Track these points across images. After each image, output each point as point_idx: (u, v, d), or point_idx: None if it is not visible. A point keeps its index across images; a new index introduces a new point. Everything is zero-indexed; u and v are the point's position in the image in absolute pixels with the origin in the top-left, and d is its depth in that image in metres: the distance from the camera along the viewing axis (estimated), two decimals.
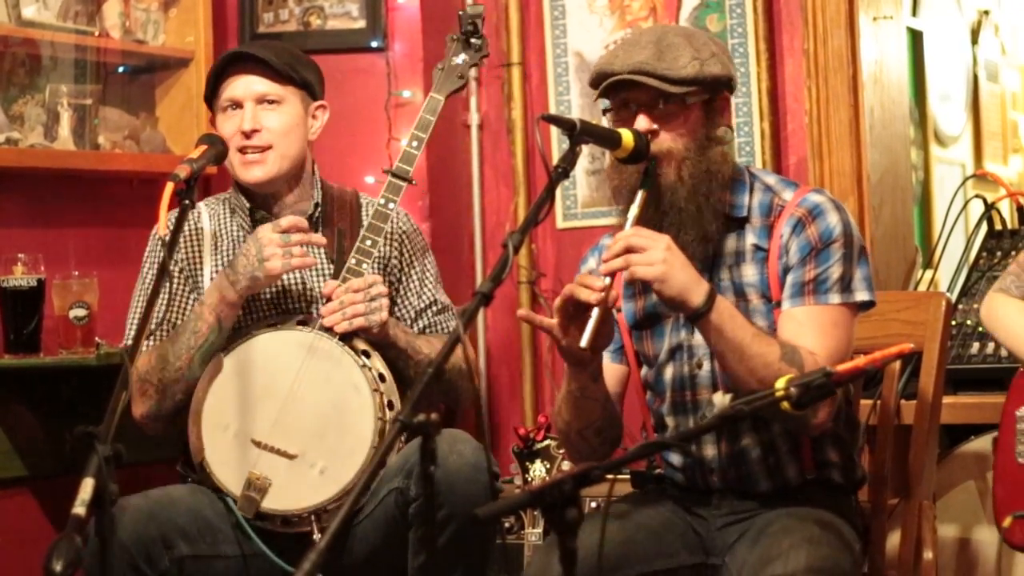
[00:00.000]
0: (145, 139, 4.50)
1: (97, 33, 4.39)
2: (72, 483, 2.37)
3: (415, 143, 3.55)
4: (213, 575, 3.37)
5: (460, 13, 3.66)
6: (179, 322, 3.55)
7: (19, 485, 4.09)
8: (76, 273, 4.09)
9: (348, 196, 3.71)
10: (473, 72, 4.82)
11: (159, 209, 3.12)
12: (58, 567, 2.22)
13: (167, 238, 3.14)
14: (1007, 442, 3.53)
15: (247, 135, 3.54)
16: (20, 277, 3.98)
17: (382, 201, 3.51)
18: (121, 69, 4.51)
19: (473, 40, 3.64)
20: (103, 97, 4.43)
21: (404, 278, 3.68)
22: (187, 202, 3.17)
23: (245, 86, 3.57)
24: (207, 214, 3.66)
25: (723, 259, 3.10)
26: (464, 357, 3.28)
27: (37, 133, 4.23)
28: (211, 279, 3.56)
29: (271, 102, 3.58)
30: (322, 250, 3.60)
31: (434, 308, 3.70)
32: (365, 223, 3.60)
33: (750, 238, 3.09)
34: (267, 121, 3.57)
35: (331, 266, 3.59)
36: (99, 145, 4.39)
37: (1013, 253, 4.24)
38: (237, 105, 3.57)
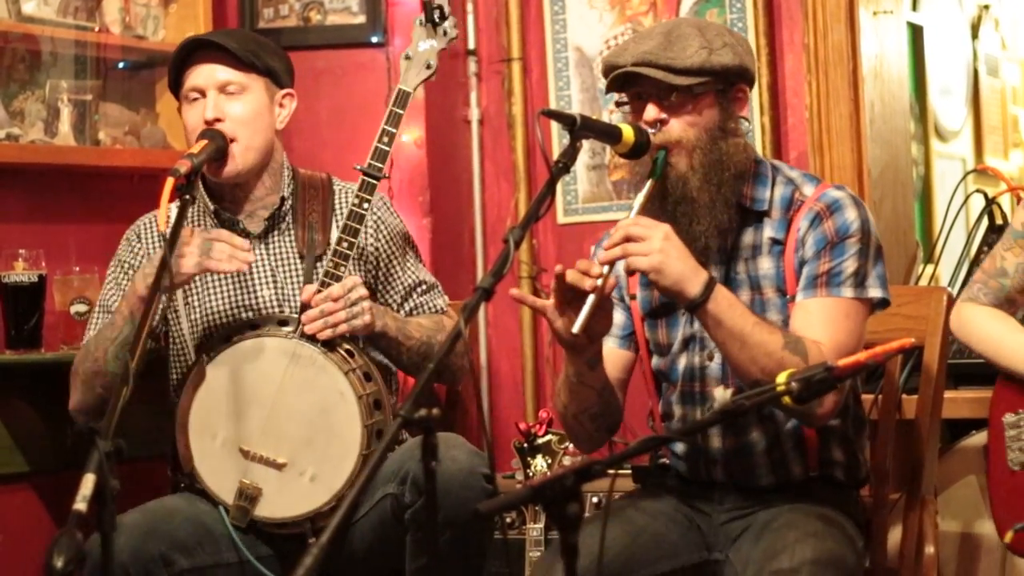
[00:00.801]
0: (145, 135, 4.50)
1: (97, 29, 4.39)
2: (73, 479, 2.37)
3: (386, 139, 3.46)
4: None
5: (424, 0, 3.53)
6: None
7: (20, 481, 4.09)
8: (77, 269, 4.09)
9: (320, 184, 3.65)
10: (473, 67, 4.85)
11: (160, 205, 3.13)
12: (59, 563, 2.22)
13: (167, 234, 3.12)
14: (998, 450, 3.48)
15: (210, 124, 3.46)
16: (21, 273, 3.98)
17: (356, 201, 3.43)
18: (121, 65, 4.51)
19: (440, 25, 3.52)
20: (103, 93, 4.43)
21: (385, 264, 3.64)
22: (187, 197, 3.16)
23: (207, 74, 3.50)
24: (175, 214, 3.59)
25: (740, 252, 3.10)
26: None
27: (37, 129, 4.23)
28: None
29: (233, 91, 3.50)
30: (292, 246, 3.57)
31: (420, 289, 3.68)
32: (338, 213, 3.59)
33: (768, 231, 3.08)
34: (230, 109, 3.49)
35: (301, 263, 3.55)
36: (99, 141, 4.39)
37: (985, 248, 4.24)
38: (200, 94, 3.50)
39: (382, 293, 3.64)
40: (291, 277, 3.55)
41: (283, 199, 3.58)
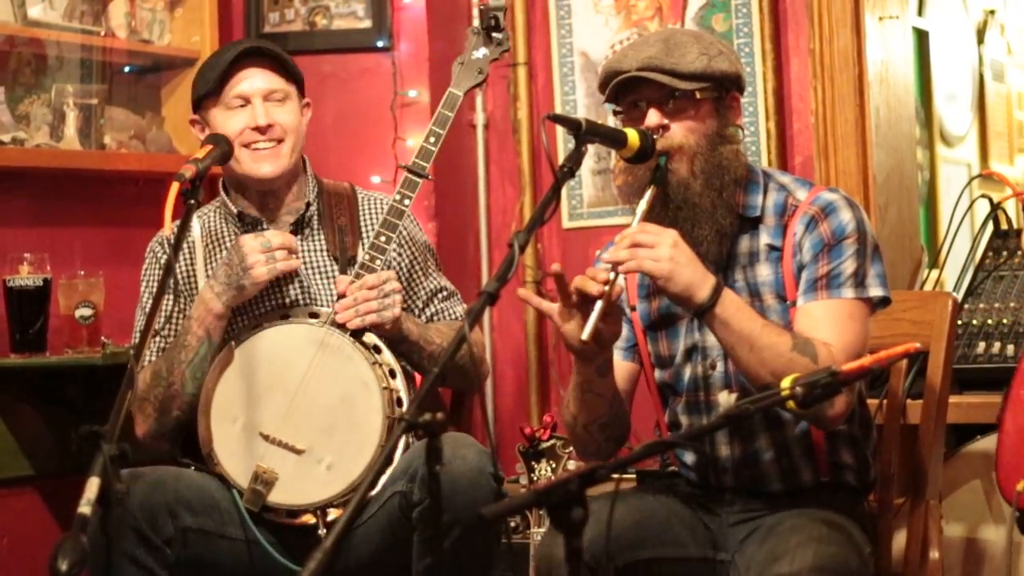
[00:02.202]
0: (151, 139, 4.50)
1: (103, 33, 4.40)
2: (78, 482, 2.37)
3: (432, 139, 3.50)
4: (218, 553, 3.37)
5: (481, 7, 3.60)
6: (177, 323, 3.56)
7: (25, 484, 4.10)
8: (82, 273, 4.09)
9: (344, 191, 3.68)
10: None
11: (164, 209, 3.13)
12: (63, 566, 2.22)
13: (172, 238, 3.13)
14: (1021, 396, 3.42)
15: (262, 130, 3.50)
16: (26, 276, 3.98)
17: (398, 197, 3.48)
18: (127, 69, 4.52)
19: (494, 34, 3.57)
20: (109, 97, 4.44)
21: (407, 272, 3.66)
22: (192, 202, 3.16)
23: (260, 80, 3.54)
24: (197, 223, 3.63)
25: (737, 259, 3.09)
26: (472, 342, 3.29)
27: (43, 133, 4.24)
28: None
29: (279, 98, 3.55)
30: (324, 248, 3.59)
31: (441, 295, 3.70)
32: (363, 220, 3.62)
33: (764, 238, 3.08)
34: (278, 116, 3.53)
35: (334, 263, 3.58)
36: (105, 145, 4.40)
37: (1020, 253, 4.23)
38: (246, 101, 3.53)
39: (405, 300, 3.65)
40: (319, 279, 3.57)
41: (308, 204, 3.61)
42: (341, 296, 3.44)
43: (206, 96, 3.57)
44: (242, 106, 3.53)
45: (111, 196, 4.41)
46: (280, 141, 3.53)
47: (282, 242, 3.43)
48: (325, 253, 3.59)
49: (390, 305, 3.41)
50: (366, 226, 3.62)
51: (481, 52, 3.58)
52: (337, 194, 3.66)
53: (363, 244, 3.55)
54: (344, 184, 3.71)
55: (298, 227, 3.60)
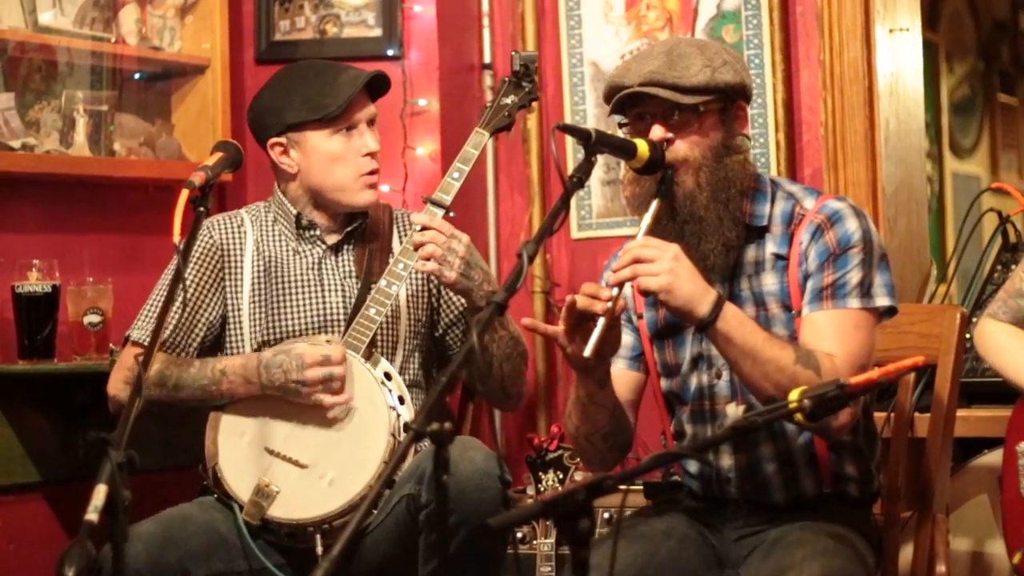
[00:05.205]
0: (161, 146, 4.50)
1: (113, 39, 4.40)
2: (85, 489, 2.37)
3: (456, 174, 3.53)
4: None
5: (513, 54, 3.64)
6: (199, 312, 3.58)
7: (32, 491, 4.09)
8: (91, 279, 4.10)
9: (381, 213, 3.72)
10: (488, 81, 4.85)
11: (174, 216, 3.13)
12: (70, 573, 2.22)
13: (181, 245, 3.13)
14: (1011, 478, 3.52)
15: (375, 156, 3.61)
16: (35, 283, 3.98)
17: (419, 228, 3.48)
18: (137, 76, 4.51)
19: (524, 83, 3.61)
20: (119, 103, 4.44)
21: (427, 289, 3.70)
22: (202, 209, 3.16)
23: (368, 107, 3.64)
24: (249, 219, 3.69)
25: (743, 269, 3.09)
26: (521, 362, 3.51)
27: (53, 139, 4.24)
28: (251, 283, 3.60)
29: (372, 122, 3.65)
30: (352, 270, 3.63)
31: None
32: (395, 237, 3.68)
33: (770, 247, 3.08)
34: (377, 141, 3.65)
35: (358, 284, 3.61)
36: (115, 151, 4.40)
37: (1013, 267, 4.24)
38: (352, 126, 3.60)
39: (441, 311, 3.71)
40: (336, 299, 3.61)
41: (362, 222, 3.67)
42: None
43: (313, 121, 3.60)
44: (348, 131, 3.60)
45: (120, 203, 4.41)
46: (376, 171, 3.64)
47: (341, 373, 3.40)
48: (352, 277, 3.62)
49: (448, 263, 3.40)
50: (397, 245, 3.67)
51: (509, 98, 3.62)
52: (376, 218, 3.70)
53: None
54: (380, 203, 3.74)
55: (346, 239, 3.65)
